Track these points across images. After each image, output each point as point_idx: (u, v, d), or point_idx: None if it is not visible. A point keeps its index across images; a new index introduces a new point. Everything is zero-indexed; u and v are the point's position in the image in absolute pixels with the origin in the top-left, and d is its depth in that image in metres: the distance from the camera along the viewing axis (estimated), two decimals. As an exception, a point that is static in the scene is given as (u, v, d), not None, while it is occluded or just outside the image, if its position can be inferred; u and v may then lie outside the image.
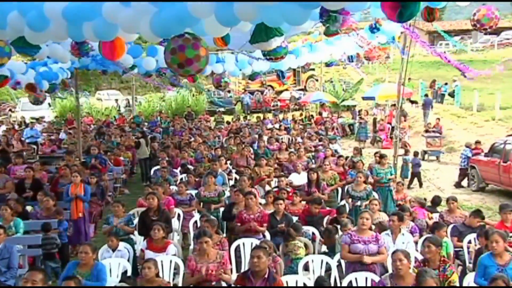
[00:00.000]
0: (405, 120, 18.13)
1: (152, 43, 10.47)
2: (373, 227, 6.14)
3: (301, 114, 22.58)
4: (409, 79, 21.14)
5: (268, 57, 7.16)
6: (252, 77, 13.32)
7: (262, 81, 27.88)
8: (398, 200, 8.99)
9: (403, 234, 6.26)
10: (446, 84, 25.05)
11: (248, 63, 11.73)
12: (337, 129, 19.81)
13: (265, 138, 14.18)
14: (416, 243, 6.34)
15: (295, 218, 7.14)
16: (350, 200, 8.30)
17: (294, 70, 26.90)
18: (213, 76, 11.53)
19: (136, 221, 6.92)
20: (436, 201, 8.54)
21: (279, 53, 6.97)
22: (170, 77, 13.38)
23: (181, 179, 10.35)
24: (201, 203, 8.06)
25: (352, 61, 12.46)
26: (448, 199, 7.54)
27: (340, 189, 9.58)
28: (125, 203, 7.42)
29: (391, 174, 9.47)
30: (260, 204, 7.60)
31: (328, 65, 13.10)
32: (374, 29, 9.20)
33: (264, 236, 6.59)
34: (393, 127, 15.33)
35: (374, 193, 8.52)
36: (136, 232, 6.84)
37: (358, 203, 8.14)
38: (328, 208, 7.89)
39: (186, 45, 4.73)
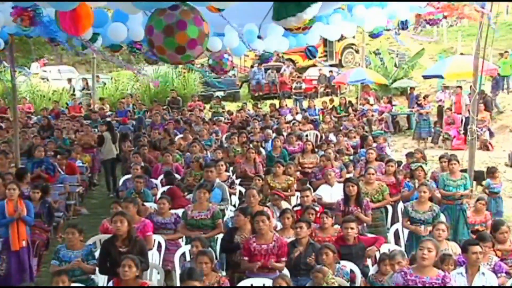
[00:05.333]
0: (485, 110, 18.04)
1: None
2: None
3: (331, 101, 22.57)
4: (506, 52, 21.00)
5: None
6: (264, 58, 13.33)
7: (278, 53, 27.90)
8: (476, 224, 8.96)
9: (483, 273, 6.27)
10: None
11: (257, 36, 11.68)
12: (386, 122, 19.80)
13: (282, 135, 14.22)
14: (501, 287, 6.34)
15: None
16: (407, 224, 8.32)
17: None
18: (212, 56, 11.45)
19: (98, 253, 6.98)
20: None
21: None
22: (145, 52, 13.43)
23: (163, 193, 10.39)
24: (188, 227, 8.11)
25: (406, 28, 12.43)
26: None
27: (391, 208, 9.56)
28: (82, 228, 7.47)
29: (466, 188, 9.45)
30: (275, 229, 7.63)
31: (373, 36, 13.07)
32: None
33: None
34: (467, 119, 15.24)
35: (442, 215, 8.52)
36: (98, 270, 6.89)
37: (421, 228, 8.14)
38: (372, 235, 7.90)
39: (187, 20, 4.73)
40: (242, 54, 13.12)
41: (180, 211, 8.61)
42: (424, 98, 19.98)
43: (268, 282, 6.40)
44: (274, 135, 14.57)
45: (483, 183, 11.11)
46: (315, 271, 6.22)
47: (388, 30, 12.64)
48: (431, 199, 8.59)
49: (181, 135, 15.24)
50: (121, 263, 5.95)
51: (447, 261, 6.49)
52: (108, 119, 18.39)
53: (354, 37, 28.71)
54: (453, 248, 7.16)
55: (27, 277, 8.08)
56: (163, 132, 15.12)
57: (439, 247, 5.87)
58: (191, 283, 5.48)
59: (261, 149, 13.38)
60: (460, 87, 19.54)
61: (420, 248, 5.59)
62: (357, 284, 6.82)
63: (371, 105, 20.95)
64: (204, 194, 8.14)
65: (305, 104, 23.17)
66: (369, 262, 7.47)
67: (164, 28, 4.77)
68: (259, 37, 10.89)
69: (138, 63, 24.72)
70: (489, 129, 18.05)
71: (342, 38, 28.11)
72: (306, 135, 15.85)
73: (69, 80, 28.14)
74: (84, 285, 6.59)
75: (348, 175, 10.51)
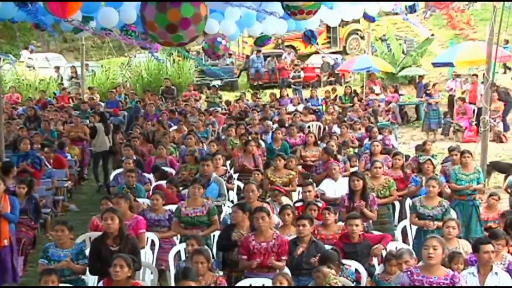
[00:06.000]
0: (499, 99, 18.01)
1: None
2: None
3: (334, 90, 22.53)
4: None
5: (290, 10, 7.09)
6: (260, 42, 13.27)
7: (277, 39, 27.86)
8: (489, 221, 8.97)
9: (496, 273, 6.27)
10: None
11: (256, 19, 11.66)
12: (393, 112, 19.77)
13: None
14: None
15: (328, 248, 7.13)
16: (416, 219, 8.33)
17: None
18: (205, 39, 11.42)
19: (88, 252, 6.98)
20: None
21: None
22: (137, 36, 13.36)
23: (155, 187, 10.38)
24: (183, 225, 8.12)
25: (415, 12, 12.39)
26: None
27: (398, 204, 9.57)
28: (72, 225, 7.46)
29: (479, 182, 9.46)
30: (276, 226, 7.63)
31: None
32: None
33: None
34: (480, 110, 15.24)
35: (452, 211, 8.52)
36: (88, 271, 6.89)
37: (431, 225, 8.15)
38: (378, 233, 7.90)
39: None
40: (236, 38, 13.01)
41: (174, 207, 8.62)
42: (433, 87, 19.93)
43: (268, 282, 6.40)
44: (274, 126, 14.55)
45: (508, 180, 10.93)
46: (315, 271, 6.22)
47: (396, 14, 12.64)
48: (440, 195, 8.58)
49: (175, 127, 15.22)
50: (112, 262, 5.94)
51: (457, 259, 6.49)
52: (101, 109, 18.34)
53: (359, 22, 28.72)
54: (464, 247, 7.15)
55: (9, 278, 8.05)
56: (156, 124, 15.09)
57: (445, 244, 5.86)
58: (187, 283, 5.48)
59: (261, 141, 13.36)
60: (476, 75, 19.50)
61: (425, 247, 5.58)
62: (363, 284, 6.82)
63: (377, 94, 20.90)
64: (199, 190, 8.14)
65: (305, 93, 23.11)
66: (375, 261, 7.46)
67: (158, 2, 4.76)
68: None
69: (130, 50, 24.69)
70: (503, 121, 18.03)
71: (346, 23, 28.30)
72: (308, 127, 15.82)
73: (57, 68, 28.07)
74: (73, 286, 6.59)
75: (352, 169, 10.51)
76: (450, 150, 10.81)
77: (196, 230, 7.86)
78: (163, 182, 10.26)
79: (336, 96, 21.26)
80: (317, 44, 24.37)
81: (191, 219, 7.99)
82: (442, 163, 11.74)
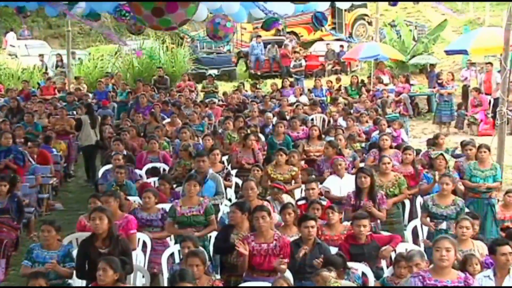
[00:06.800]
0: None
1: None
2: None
3: (338, 80, 22.49)
4: None
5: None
6: (267, 25, 13.23)
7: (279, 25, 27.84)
8: (505, 220, 8.97)
9: (515, 276, 6.28)
10: None
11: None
12: (404, 104, 19.73)
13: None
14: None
15: (333, 250, 7.16)
16: (428, 220, 8.31)
17: (332, 7, 26.86)
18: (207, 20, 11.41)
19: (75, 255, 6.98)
20: None
21: None
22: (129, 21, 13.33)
23: (141, 186, 10.35)
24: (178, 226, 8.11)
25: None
26: None
27: (408, 203, 9.57)
28: (58, 225, 7.45)
29: (495, 180, 9.46)
30: (277, 226, 7.62)
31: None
32: None
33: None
34: (496, 101, 15.22)
35: (467, 211, 8.49)
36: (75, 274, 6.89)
37: (443, 225, 8.17)
38: (387, 233, 7.89)
39: None
40: (242, 18, 12.89)
41: (167, 206, 8.61)
42: (446, 76, 19.89)
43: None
44: (275, 119, 14.53)
45: None
46: (314, 275, 6.22)
47: None
48: (454, 192, 8.57)
49: (168, 120, 15.20)
50: (100, 265, 5.95)
51: (471, 261, 6.49)
52: (89, 100, 18.31)
53: (366, 5, 28.71)
54: (480, 248, 7.13)
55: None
56: (149, 116, 15.07)
57: (456, 245, 5.83)
58: (184, 285, 5.47)
59: (261, 135, 13.35)
60: (491, 63, 19.47)
61: (437, 249, 5.54)
62: (370, 288, 6.83)
63: (385, 85, 20.85)
64: (194, 187, 8.12)
65: (307, 83, 23.09)
66: (383, 263, 7.47)
67: None
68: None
69: (121, 36, 24.62)
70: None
71: (352, 7, 28.28)
72: (312, 119, 15.80)
73: (41, 57, 28.04)
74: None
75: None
76: (464, 144, 10.75)
77: (192, 231, 7.82)
78: (154, 179, 10.27)
79: (340, 86, 21.24)
80: (325, 29, 24.32)
81: (187, 219, 7.96)
82: (452, 156, 11.72)
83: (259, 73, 27.52)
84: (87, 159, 14.29)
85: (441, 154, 9.90)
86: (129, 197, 9.26)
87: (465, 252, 6.81)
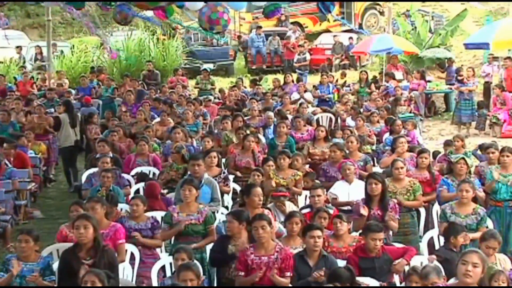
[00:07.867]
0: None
1: None
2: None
3: (343, 75, 22.47)
4: None
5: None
6: (269, 11, 13.21)
7: (281, 15, 27.84)
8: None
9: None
10: None
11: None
12: (414, 102, 19.70)
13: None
14: None
15: (341, 263, 7.14)
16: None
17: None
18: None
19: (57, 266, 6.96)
20: None
21: None
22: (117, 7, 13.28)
23: (137, 191, 10.34)
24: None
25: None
26: None
27: (424, 211, 9.54)
28: (37, 234, 7.42)
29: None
30: (278, 237, 7.60)
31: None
32: None
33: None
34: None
35: (488, 220, 8.51)
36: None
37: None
38: (400, 245, 7.88)
39: None
40: (242, 7, 12.91)
41: (160, 214, 8.61)
42: (466, 72, 19.85)
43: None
44: (275, 119, 14.52)
45: None
46: None
47: None
48: (474, 200, 8.54)
49: (159, 119, 15.21)
50: (83, 278, 5.92)
51: (497, 276, 6.45)
52: (71, 97, 18.29)
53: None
54: (502, 262, 7.13)
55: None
56: (137, 115, 15.06)
57: (486, 262, 5.83)
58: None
59: (261, 136, 13.34)
60: (510, 57, 19.48)
61: (463, 262, 5.54)
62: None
63: (398, 81, 20.79)
64: (190, 192, 8.12)
65: (310, 79, 23.08)
66: (396, 278, 7.44)
67: None
68: None
69: (106, 27, 24.59)
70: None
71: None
72: (318, 119, 15.79)
73: (18, 49, 28.05)
74: None
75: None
76: (485, 147, 10.73)
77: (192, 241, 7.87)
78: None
79: (345, 82, 21.23)
80: (332, 17, 24.33)
81: (185, 228, 7.97)
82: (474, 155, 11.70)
83: (264, 67, 27.50)
84: (67, 161, 14.27)
85: (463, 157, 9.86)
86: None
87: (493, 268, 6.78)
